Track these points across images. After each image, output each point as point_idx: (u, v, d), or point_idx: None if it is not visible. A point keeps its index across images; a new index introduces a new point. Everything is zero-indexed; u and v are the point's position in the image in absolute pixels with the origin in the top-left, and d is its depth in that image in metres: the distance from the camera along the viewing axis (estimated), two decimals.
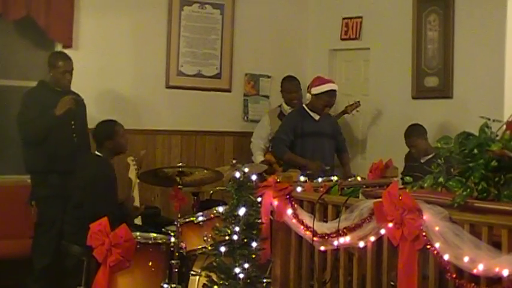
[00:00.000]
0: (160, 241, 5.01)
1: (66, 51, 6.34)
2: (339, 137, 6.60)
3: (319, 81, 6.37)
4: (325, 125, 6.40)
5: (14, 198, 6.21)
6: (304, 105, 6.44)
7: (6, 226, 6.11)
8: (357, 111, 7.04)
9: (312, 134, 6.29)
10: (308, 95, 6.41)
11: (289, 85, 7.08)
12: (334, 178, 4.98)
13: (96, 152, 5.62)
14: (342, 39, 7.44)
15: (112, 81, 6.86)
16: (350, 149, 7.37)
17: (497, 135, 3.92)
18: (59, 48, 6.57)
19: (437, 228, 3.65)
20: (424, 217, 3.72)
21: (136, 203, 5.86)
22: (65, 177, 5.78)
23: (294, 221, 4.52)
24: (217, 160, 7.22)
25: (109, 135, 5.60)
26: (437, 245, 3.64)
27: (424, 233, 3.70)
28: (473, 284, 3.53)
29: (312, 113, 6.35)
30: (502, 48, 6.26)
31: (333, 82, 6.50)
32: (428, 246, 3.69)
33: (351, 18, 7.35)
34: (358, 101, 7.03)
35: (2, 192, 6.32)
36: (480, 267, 3.45)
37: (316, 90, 6.29)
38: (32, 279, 5.81)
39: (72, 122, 5.89)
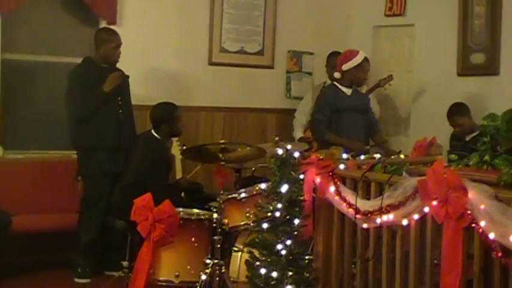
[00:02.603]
0: (203, 217, 5.02)
1: (111, 27, 6.36)
2: (371, 115, 6.49)
3: (349, 55, 6.23)
4: (357, 100, 6.31)
5: (60, 174, 6.29)
6: (334, 82, 6.35)
7: (53, 201, 6.20)
8: (390, 84, 6.94)
9: (345, 109, 6.19)
10: (337, 74, 6.27)
11: (334, 59, 6.91)
12: (377, 155, 4.94)
13: (153, 133, 5.68)
14: (386, 16, 7.36)
15: (155, 58, 6.90)
16: (393, 126, 7.33)
17: None
18: (103, 24, 6.61)
19: (482, 207, 3.61)
20: (469, 195, 3.68)
21: (179, 175, 5.97)
22: (112, 154, 5.85)
23: (337, 198, 4.51)
24: (259, 137, 7.23)
25: (167, 119, 5.68)
26: (482, 223, 3.60)
27: (469, 211, 3.66)
28: None
29: (344, 89, 6.26)
30: None
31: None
32: (473, 225, 3.66)
33: None
34: (391, 75, 6.93)
35: (48, 168, 6.41)
36: None
37: (351, 64, 6.15)
38: (78, 253, 5.90)
39: (119, 98, 5.92)
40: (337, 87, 6.28)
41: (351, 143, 6.00)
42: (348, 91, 6.27)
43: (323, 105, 6.26)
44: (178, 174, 6.08)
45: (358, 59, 6.18)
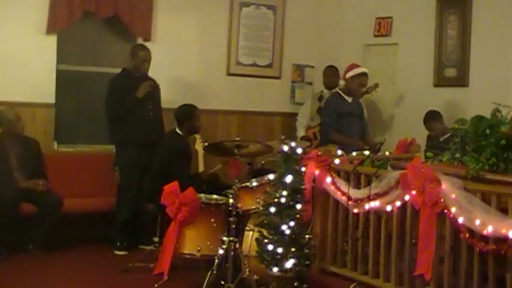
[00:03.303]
0: (220, 202, 5.00)
1: (146, 43, 6.39)
2: (364, 120, 6.48)
3: (352, 66, 6.30)
4: (355, 107, 6.31)
5: (101, 164, 6.28)
6: (338, 90, 6.37)
7: (95, 186, 6.20)
8: (376, 91, 6.91)
9: (346, 114, 6.20)
10: (342, 82, 6.33)
11: (328, 70, 7.09)
12: (366, 152, 4.96)
13: (177, 130, 5.72)
14: (375, 36, 7.35)
15: (182, 69, 6.87)
16: (379, 128, 7.31)
17: (506, 119, 3.87)
18: (139, 41, 6.59)
19: (453, 196, 3.64)
20: (442, 186, 3.71)
21: (201, 169, 5.97)
22: (142, 148, 5.87)
23: (332, 187, 4.55)
24: (268, 136, 7.15)
25: (188, 117, 5.72)
26: (453, 209, 3.63)
27: (442, 200, 3.69)
28: (483, 243, 3.52)
29: (346, 97, 6.26)
30: (511, 44, 6.14)
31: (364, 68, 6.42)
32: (445, 211, 3.68)
33: (383, 18, 7.25)
34: (377, 83, 6.89)
35: (92, 159, 6.42)
36: (489, 229, 3.44)
37: (351, 73, 6.21)
38: (115, 231, 5.92)
39: (149, 103, 5.95)
40: (340, 94, 6.28)
41: (355, 142, 5.99)
42: (349, 99, 6.26)
43: (329, 110, 6.25)
44: (201, 167, 6.06)
45: (355, 71, 6.21)
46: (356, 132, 6.27)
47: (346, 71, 6.25)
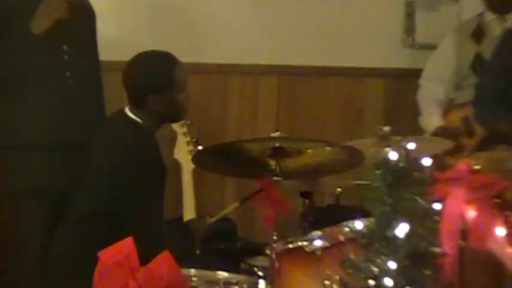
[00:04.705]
0: (236, 286, 5.07)
1: None
2: None
3: None
4: None
5: None
6: None
7: None
8: None
9: None
10: None
11: None
12: None
13: (131, 114, 5.65)
14: None
15: None
16: None
17: None
18: None
19: None
20: None
21: (190, 211, 5.94)
22: (50, 158, 5.93)
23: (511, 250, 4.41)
24: (348, 126, 7.26)
25: (157, 85, 5.66)
26: None
27: None
28: None
29: None
30: None
31: None
32: None
33: None
34: None
35: None
36: None
37: None
38: None
39: (65, 48, 5.97)
40: None
41: None
42: None
43: (504, 61, 6.31)
44: (188, 205, 6.00)
45: None
46: None
47: None
